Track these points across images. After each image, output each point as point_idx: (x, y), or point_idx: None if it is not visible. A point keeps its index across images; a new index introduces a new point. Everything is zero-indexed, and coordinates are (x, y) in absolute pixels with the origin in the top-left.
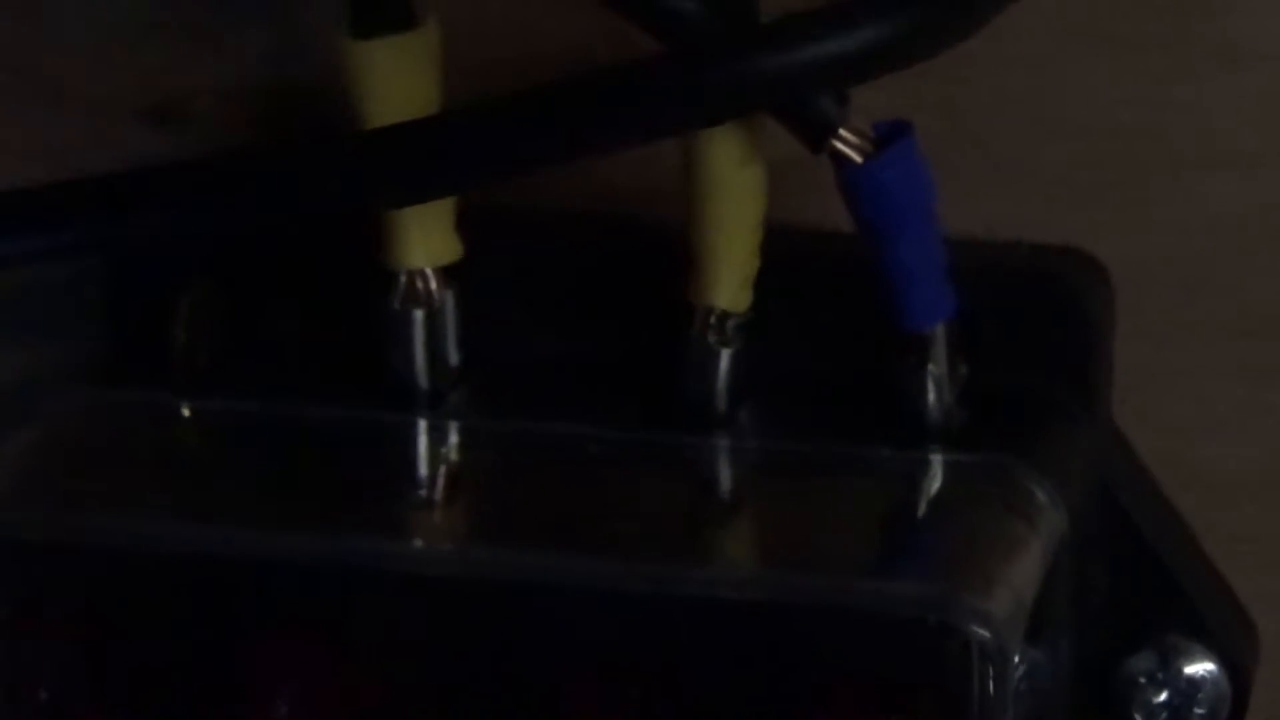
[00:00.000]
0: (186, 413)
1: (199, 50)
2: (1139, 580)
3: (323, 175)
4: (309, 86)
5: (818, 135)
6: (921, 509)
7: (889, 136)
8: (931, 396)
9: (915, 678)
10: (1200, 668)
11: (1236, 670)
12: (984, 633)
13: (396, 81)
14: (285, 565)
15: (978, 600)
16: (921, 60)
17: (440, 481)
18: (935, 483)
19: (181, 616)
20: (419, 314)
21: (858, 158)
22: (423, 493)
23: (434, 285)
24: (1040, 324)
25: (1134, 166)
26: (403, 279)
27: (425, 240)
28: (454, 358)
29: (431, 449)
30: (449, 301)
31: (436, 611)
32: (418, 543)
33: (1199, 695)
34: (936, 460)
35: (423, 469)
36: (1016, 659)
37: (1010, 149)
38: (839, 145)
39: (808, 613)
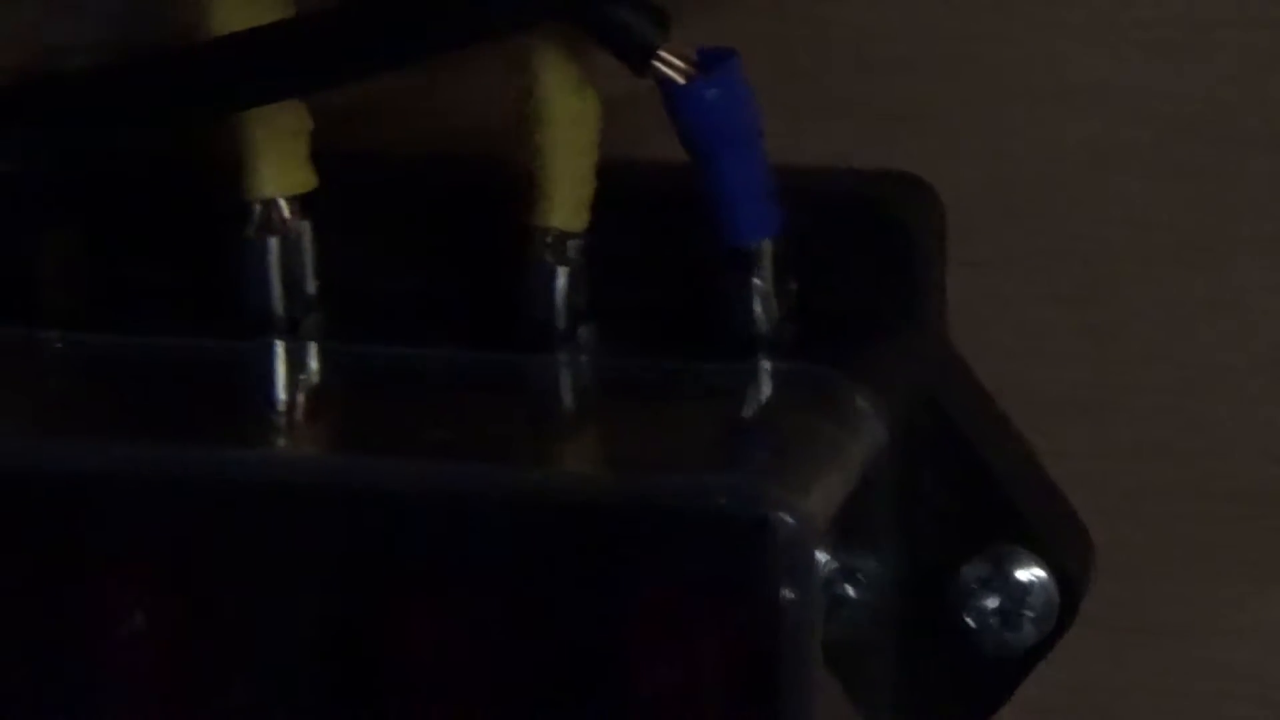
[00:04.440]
0: (48, 346)
1: (66, 8)
2: (970, 491)
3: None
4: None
5: (638, 57)
6: (744, 415)
7: (713, 60)
8: (759, 310)
9: (724, 572)
10: (1030, 574)
11: (1065, 576)
12: (789, 520)
13: (247, 24)
14: (136, 478)
15: (783, 493)
16: None
17: (292, 399)
18: (760, 391)
19: (34, 533)
20: (274, 241)
21: (681, 80)
22: (275, 409)
23: (288, 215)
24: (869, 245)
25: (953, 99)
26: (258, 208)
27: (279, 171)
28: (310, 286)
29: (286, 369)
30: (304, 231)
31: (283, 520)
32: (268, 452)
33: (1028, 599)
34: (763, 371)
35: (276, 387)
36: (825, 556)
37: (836, 83)
38: (662, 67)
39: (624, 509)
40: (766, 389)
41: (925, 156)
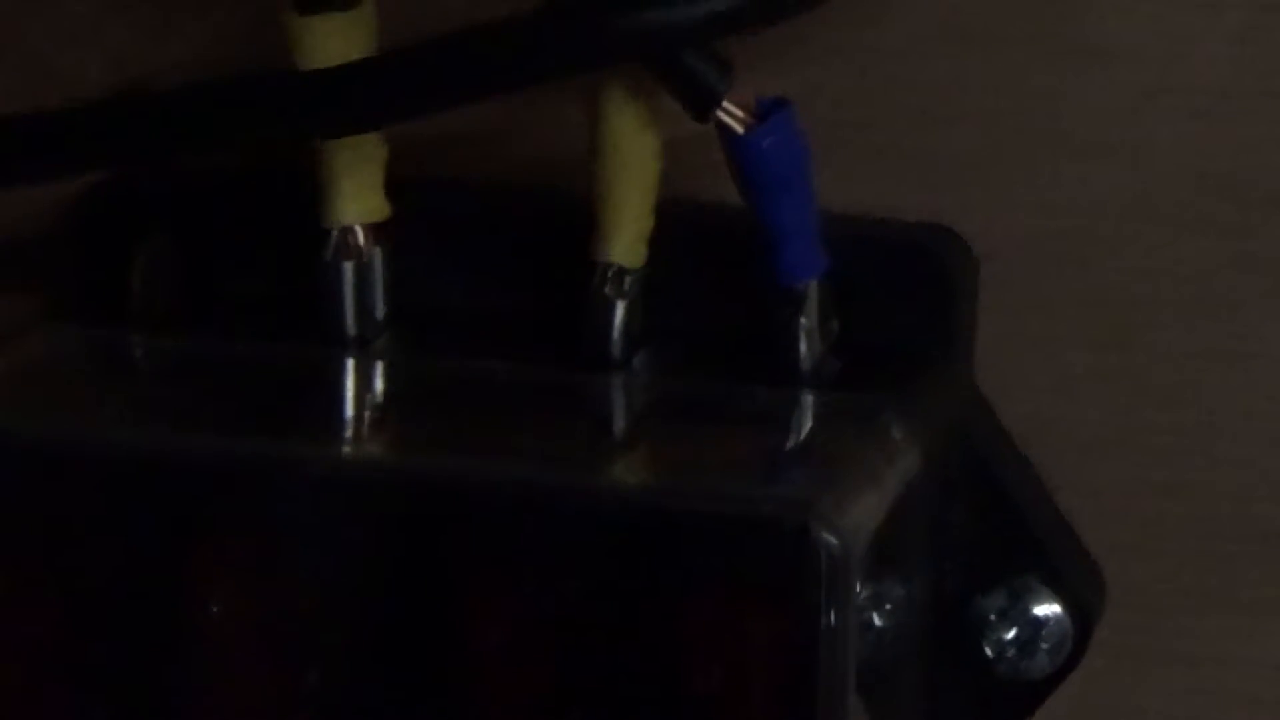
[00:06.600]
0: (140, 350)
1: (162, 31)
2: (993, 525)
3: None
4: (266, 66)
5: (703, 105)
6: (787, 439)
7: (769, 110)
8: (804, 346)
9: (764, 581)
10: (1046, 608)
11: (1080, 611)
12: (830, 537)
13: (335, 55)
14: (221, 469)
15: (826, 508)
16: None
17: (364, 405)
18: (803, 417)
19: (123, 518)
20: (349, 266)
21: (740, 129)
22: (347, 413)
23: (363, 241)
24: (907, 288)
25: (998, 152)
26: (335, 234)
27: (356, 199)
28: (381, 310)
29: (356, 380)
30: (377, 257)
31: (357, 514)
32: (343, 451)
33: (1044, 632)
34: (805, 399)
35: (348, 395)
36: (859, 578)
37: (882, 134)
38: (723, 116)
39: (671, 516)
40: (809, 415)
41: (967, 205)
